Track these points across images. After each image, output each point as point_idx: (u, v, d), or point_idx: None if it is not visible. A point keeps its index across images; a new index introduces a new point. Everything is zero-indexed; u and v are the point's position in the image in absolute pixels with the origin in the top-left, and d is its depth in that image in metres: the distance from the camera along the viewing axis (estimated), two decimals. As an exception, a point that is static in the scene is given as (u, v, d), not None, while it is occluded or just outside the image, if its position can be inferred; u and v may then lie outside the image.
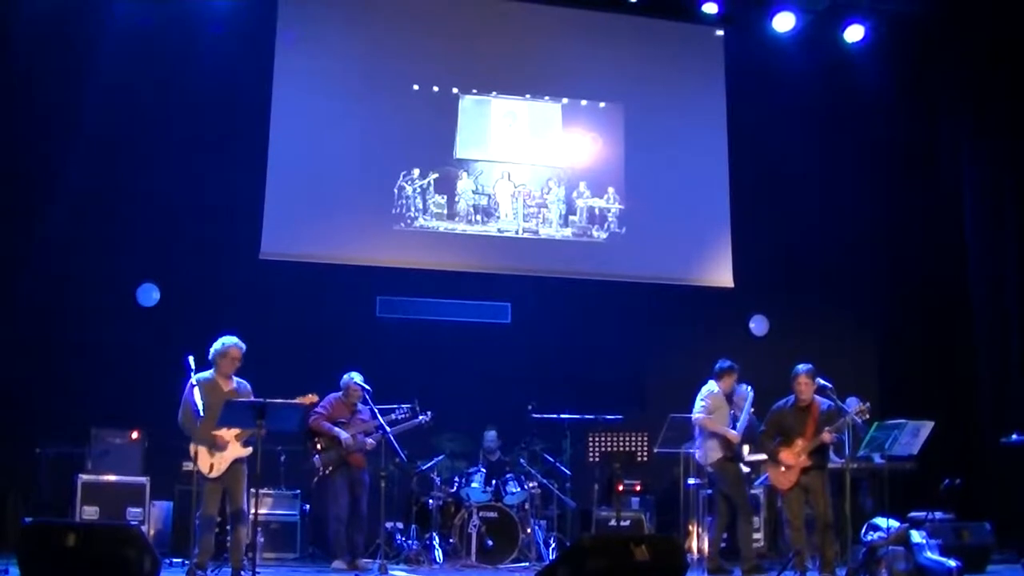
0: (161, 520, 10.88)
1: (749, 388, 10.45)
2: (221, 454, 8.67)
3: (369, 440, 10.23)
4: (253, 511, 8.40)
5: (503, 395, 12.03)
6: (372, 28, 13.26)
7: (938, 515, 10.03)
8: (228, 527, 9.09)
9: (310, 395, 9.06)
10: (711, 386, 10.28)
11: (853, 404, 9.59)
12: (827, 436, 9.21)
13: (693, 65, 14.01)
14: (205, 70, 12.27)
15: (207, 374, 8.83)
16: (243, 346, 8.93)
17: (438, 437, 11.41)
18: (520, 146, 13.47)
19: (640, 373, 13.16)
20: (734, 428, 10.09)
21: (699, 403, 10.19)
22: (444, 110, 13.27)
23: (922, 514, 9.86)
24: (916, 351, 13.72)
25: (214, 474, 8.67)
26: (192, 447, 8.70)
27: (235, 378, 8.95)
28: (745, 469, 10.48)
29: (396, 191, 12.94)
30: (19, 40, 11.86)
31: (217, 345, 8.90)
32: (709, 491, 10.47)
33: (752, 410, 10.31)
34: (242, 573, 8.47)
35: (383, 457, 9.86)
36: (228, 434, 8.65)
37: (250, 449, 8.73)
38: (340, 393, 10.41)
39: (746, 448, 10.54)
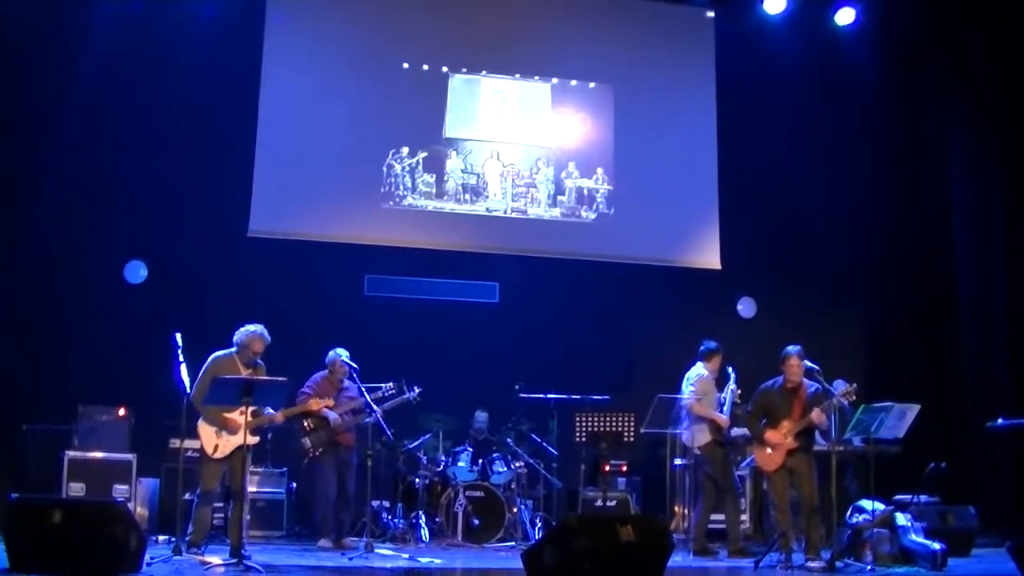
0: (147, 497, 10.86)
1: (731, 371, 10.43)
2: (229, 437, 8.61)
3: (367, 412, 9.96)
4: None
5: (490, 374, 12.04)
6: (362, 6, 13.23)
7: (923, 498, 10.07)
8: (225, 503, 9.08)
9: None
10: (699, 369, 10.28)
11: (840, 386, 9.56)
12: (817, 416, 9.12)
13: (683, 46, 13.97)
14: (194, 49, 12.17)
15: (226, 352, 8.75)
16: (268, 338, 8.83)
17: (425, 416, 11.41)
18: (509, 126, 13.43)
19: (627, 354, 13.16)
20: (721, 411, 10.13)
21: (688, 387, 10.19)
22: (433, 89, 13.22)
23: (907, 497, 9.89)
24: (903, 334, 13.76)
25: (218, 455, 8.63)
26: (200, 424, 8.62)
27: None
28: None
29: (385, 169, 12.91)
30: (7, 20, 11.75)
31: (241, 334, 8.80)
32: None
33: (738, 390, 10.30)
34: (243, 551, 8.18)
35: (370, 436, 9.82)
36: (240, 419, 8.44)
37: (257, 438, 8.69)
38: (326, 371, 10.39)
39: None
